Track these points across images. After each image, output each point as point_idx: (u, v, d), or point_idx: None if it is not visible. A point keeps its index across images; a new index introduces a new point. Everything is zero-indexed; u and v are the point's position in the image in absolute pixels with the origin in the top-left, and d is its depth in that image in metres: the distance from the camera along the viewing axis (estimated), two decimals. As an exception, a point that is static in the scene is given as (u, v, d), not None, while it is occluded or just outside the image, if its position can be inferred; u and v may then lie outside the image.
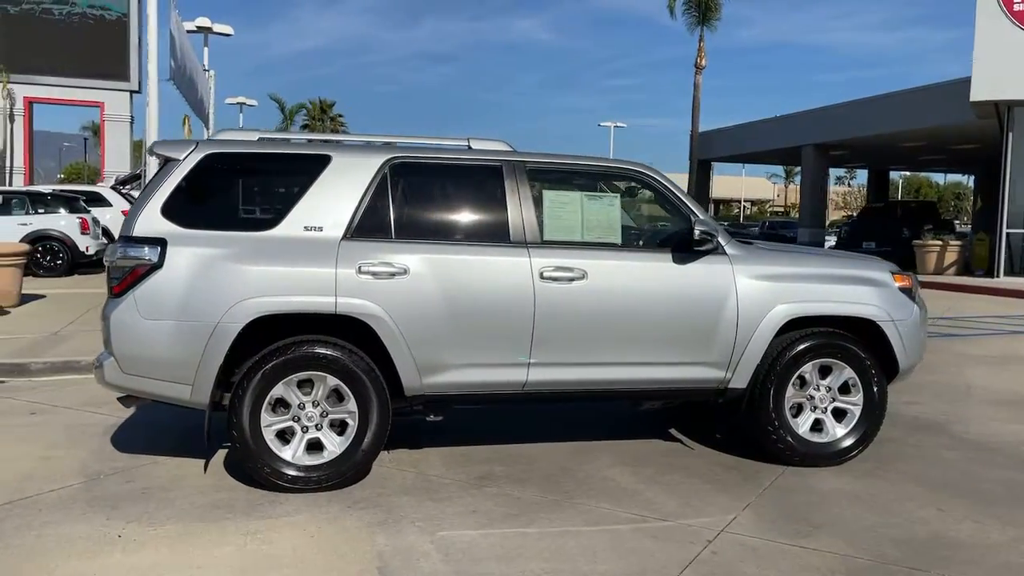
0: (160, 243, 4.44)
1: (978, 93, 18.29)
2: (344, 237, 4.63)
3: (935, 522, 4.35)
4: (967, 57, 18.56)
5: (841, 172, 79.88)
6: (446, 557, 3.80)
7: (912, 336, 5.32)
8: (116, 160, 30.49)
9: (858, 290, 5.23)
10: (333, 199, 4.68)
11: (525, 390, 4.90)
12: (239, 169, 4.80)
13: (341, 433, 4.66)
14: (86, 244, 16.49)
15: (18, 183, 28.52)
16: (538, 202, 4.97)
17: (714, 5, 34.33)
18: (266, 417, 4.53)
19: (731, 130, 33.79)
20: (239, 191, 4.88)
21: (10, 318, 10.43)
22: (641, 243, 5.36)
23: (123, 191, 20.64)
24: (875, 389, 5.21)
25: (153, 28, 11.73)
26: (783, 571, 3.73)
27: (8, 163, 31.17)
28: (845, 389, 5.24)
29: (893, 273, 5.41)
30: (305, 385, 4.61)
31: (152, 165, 9.68)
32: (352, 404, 4.62)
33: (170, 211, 4.51)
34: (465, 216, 5.00)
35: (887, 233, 24.36)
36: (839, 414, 5.25)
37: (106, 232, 17.63)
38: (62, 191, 18.87)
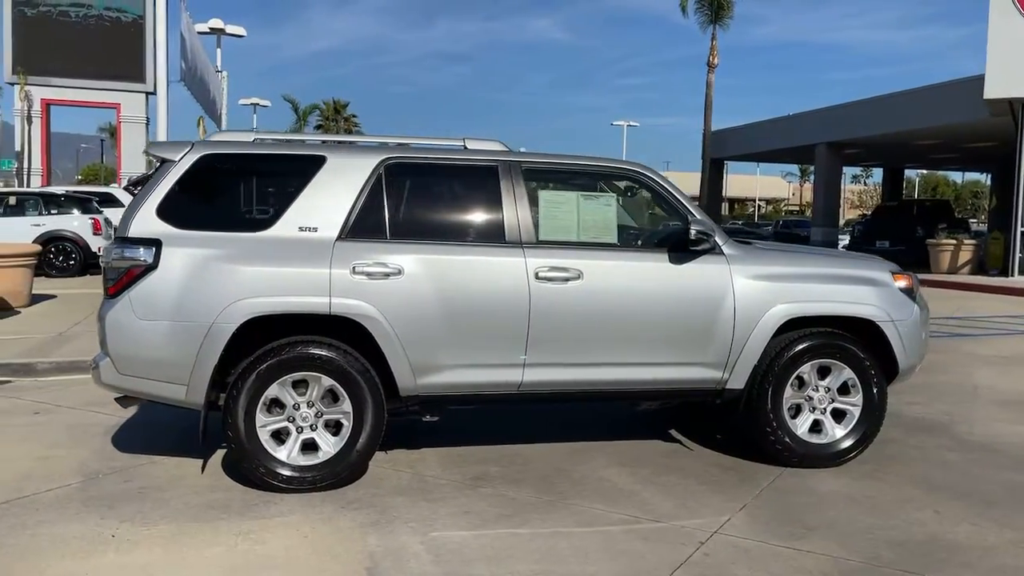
0: (155, 244, 4.46)
1: (992, 90, 18.12)
2: (339, 238, 4.64)
3: (932, 524, 4.31)
4: (983, 54, 18.41)
5: (857, 170, 79.43)
6: (436, 558, 3.80)
7: (912, 336, 5.27)
8: (132, 161, 30.72)
9: (857, 290, 5.19)
10: (328, 200, 4.69)
11: (521, 390, 4.89)
12: (234, 170, 4.82)
13: (336, 433, 4.67)
14: (98, 245, 16.61)
15: (36, 184, 28.76)
16: (534, 202, 4.96)
17: (726, 4, 34.18)
18: (261, 417, 4.55)
19: (744, 129, 33.60)
20: (234, 192, 4.90)
21: (20, 318, 10.53)
22: (638, 243, 5.33)
23: (136, 192, 20.78)
24: (875, 390, 5.17)
25: (162, 31, 11.81)
26: (774, 573, 3.71)
27: (26, 164, 31.48)
28: (844, 390, 5.20)
29: (893, 273, 5.37)
30: (300, 385, 4.62)
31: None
32: (347, 404, 4.63)
33: (165, 212, 4.53)
34: (460, 216, 4.99)
35: (901, 232, 24.19)
36: (838, 415, 5.21)
37: (118, 233, 17.72)
38: (75, 192, 19.02)
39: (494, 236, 4.84)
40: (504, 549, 3.91)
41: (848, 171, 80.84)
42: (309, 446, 4.64)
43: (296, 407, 4.61)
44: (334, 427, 4.68)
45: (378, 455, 5.20)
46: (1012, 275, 18.92)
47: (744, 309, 4.99)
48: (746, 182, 79.56)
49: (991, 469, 5.25)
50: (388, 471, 4.99)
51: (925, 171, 72.59)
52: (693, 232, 4.87)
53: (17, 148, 32.42)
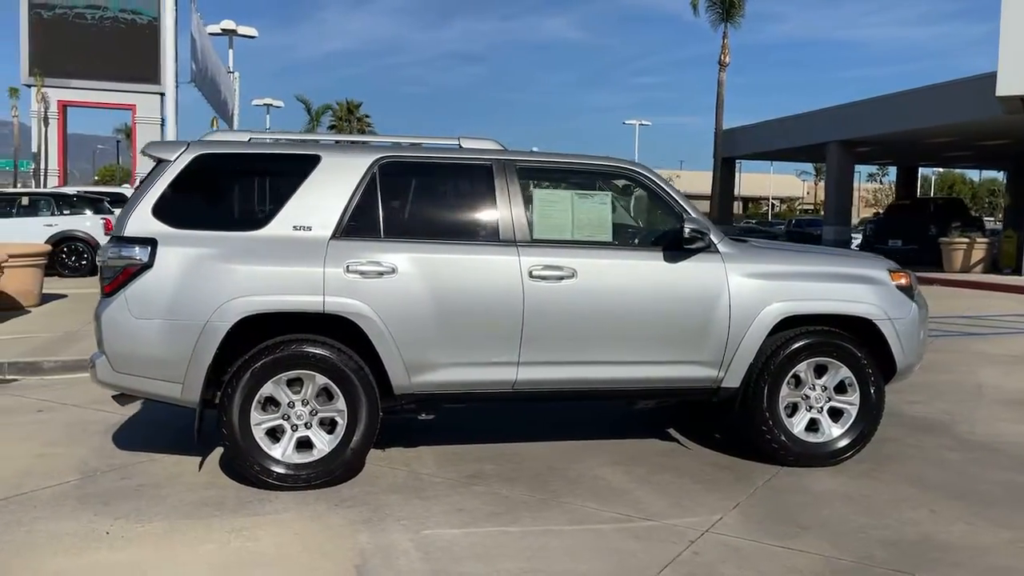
0: (150, 243, 4.49)
1: (1004, 88, 17.96)
2: (333, 236, 4.66)
3: (926, 524, 4.29)
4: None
5: (873, 169, 78.85)
6: (425, 555, 3.81)
7: (910, 335, 5.24)
8: (148, 162, 30.87)
9: (854, 288, 5.16)
10: (322, 199, 4.71)
11: (515, 389, 4.89)
12: (229, 170, 4.85)
13: (331, 432, 4.69)
14: (110, 245, 16.71)
15: (52, 185, 29.02)
16: (528, 201, 4.97)
17: (738, 2, 34.05)
18: (256, 415, 4.57)
19: (755, 127, 33.43)
20: (229, 191, 4.93)
21: (30, 317, 10.62)
22: (632, 242, 5.32)
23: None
24: (872, 389, 5.14)
25: (170, 32, 11.88)
26: (764, 572, 3.70)
27: (43, 165, 31.80)
28: (841, 388, 5.17)
29: (891, 271, 5.33)
30: (295, 384, 4.64)
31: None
32: (341, 403, 4.65)
33: (161, 211, 4.56)
34: (455, 215, 5.01)
35: (914, 231, 24.01)
36: (835, 414, 5.19)
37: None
38: (87, 192, 19.17)
39: (488, 235, 4.85)
40: (494, 547, 3.92)
41: (864, 169, 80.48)
42: (304, 444, 4.66)
43: (291, 405, 4.63)
44: (329, 425, 4.70)
45: (375, 453, 5.22)
46: (1025, 274, 18.75)
47: (739, 307, 4.97)
48: (760, 181, 79.19)
49: (991, 469, 5.21)
50: (384, 469, 5.01)
51: (941, 169, 71.97)
52: (687, 230, 4.86)
53: (34, 149, 32.76)
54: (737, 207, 79.41)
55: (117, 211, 17.70)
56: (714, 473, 5.05)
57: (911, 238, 23.82)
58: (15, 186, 44.97)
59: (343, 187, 4.74)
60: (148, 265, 4.47)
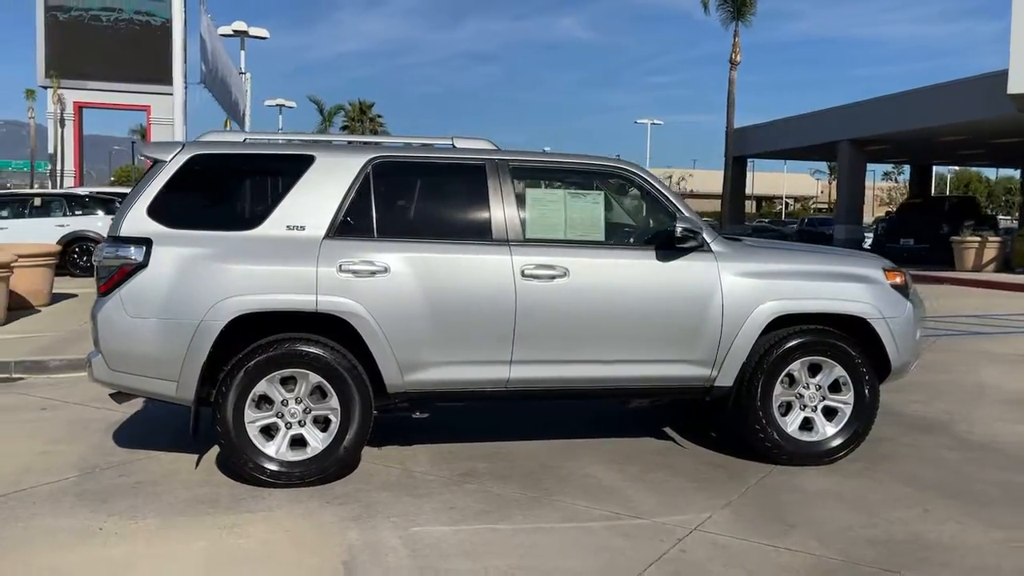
0: (145, 243, 4.54)
1: (1015, 85, 17.83)
2: (326, 236, 4.70)
3: (917, 523, 4.28)
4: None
5: (889, 167, 78.32)
6: (413, 552, 3.84)
7: (905, 334, 5.23)
8: (159, 163, 31.02)
9: (848, 287, 5.15)
10: (316, 198, 4.75)
11: (508, 387, 4.91)
12: (224, 170, 4.90)
13: (324, 429, 4.73)
14: (121, 245, 16.85)
15: (68, 185, 29.26)
16: (521, 200, 4.99)
17: (749, 0, 33.91)
18: (250, 413, 4.61)
19: (766, 126, 33.29)
20: (224, 191, 4.98)
21: (39, 316, 10.74)
22: (625, 241, 5.32)
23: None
24: (866, 388, 5.13)
25: (179, 34, 11.96)
26: (749, 570, 3.71)
27: (59, 166, 32.07)
28: (835, 387, 5.17)
29: (886, 270, 5.32)
30: (289, 382, 4.68)
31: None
32: (334, 401, 4.68)
33: (156, 211, 4.62)
34: (448, 215, 5.03)
35: (925, 229, 23.86)
36: (829, 413, 5.18)
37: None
38: (98, 193, 19.33)
39: (481, 234, 4.88)
40: (482, 544, 3.94)
41: (879, 168, 79.93)
42: (298, 442, 4.70)
43: (284, 403, 4.67)
44: (322, 423, 4.74)
45: (370, 451, 5.26)
46: (1038, 273, 18.60)
47: (732, 306, 4.98)
48: (774, 180, 78.88)
49: (987, 469, 5.19)
50: (378, 467, 5.05)
51: (957, 168, 71.41)
52: (679, 230, 4.87)
53: (51, 150, 33.05)
54: (751, 206, 79.16)
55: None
56: (708, 472, 5.05)
57: (923, 237, 23.68)
58: (32, 187, 45.44)
59: (336, 187, 4.78)
60: (143, 265, 4.52)
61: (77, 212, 17.05)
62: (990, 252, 20.19)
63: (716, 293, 4.97)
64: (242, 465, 4.62)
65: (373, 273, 4.66)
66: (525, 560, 3.78)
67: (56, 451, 5.33)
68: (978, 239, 20.37)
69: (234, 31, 26.91)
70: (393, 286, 4.68)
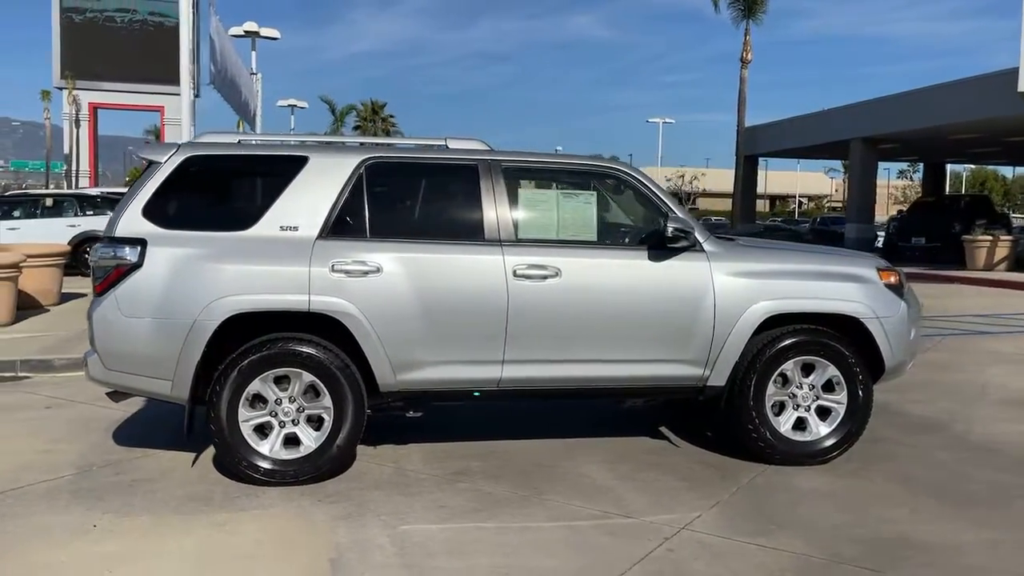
0: (140, 243, 4.60)
1: (1027, 83, 17.69)
2: (319, 236, 4.74)
3: (905, 523, 4.28)
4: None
5: (904, 165, 77.79)
6: (400, 550, 3.88)
7: (899, 334, 5.22)
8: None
9: (841, 287, 5.15)
10: (309, 199, 4.79)
11: (500, 387, 4.94)
12: (218, 171, 4.95)
13: (318, 428, 4.77)
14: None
15: (83, 186, 29.51)
16: (514, 200, 5.01)
17: (760, -1, 33.78)
18: (243, 412, 4.66)
19: (777, 125, 33.14)
20: (218, 192, 5.03)
21: (48, 316, 10.85)
22: (617, 241, 5.33)
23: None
24: (860, 388, 5.13)
25: (186, 35, 12.03)
26: (732, 569, 3.72)
27: (75, 167, 32.36)
28: (829, 387, 5.17)
29: (879, 269, 5.31)
30: (282, 381, 4.72)
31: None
32: (328, 400, 4.72)
33: (151, 212, 4.67)
34: (440, 215, 5.07)
35: (937, 228, 23.70)
36: (823, 412, 5.18)
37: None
38: (110, 193, 19.49)
39: (473, 234, 4.90)
40: (469, 543, 3.97)
41: (895, 166, 79.41)
42: (291, 440, 4.75)
43: (278, 402, 4.72)
44: (316, 422, 4.78)
45: (365, 450, 5.30)
46: (1050, 272, 18.45)
47: (724, 306, 4.99)
48: (787, 178, 78.51)
49: (982, 469, 5.17)
50: (372, 465, 5.08)
51: (973, 166, 70.81)
52: (670, 229, 4.88)
53: (66, 151, 33.35)
54: (764, 205, 78.80)
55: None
56: (700, 471, 5.07)
57: (935, 236, 23.52)
58: (47, 187, 45.82)
59: (330, 187, 4.82)
60: (138, 265, 4.58)
61: (88, 212, 17.20)
62: (1002, 251, 20.04)
63: (708, 293, 4.98)
64: (236, 463, 4.67)
65: (366, 273, 4.70)
66: (509, 559, 3.80)
67: (56, 449, 5.39)
68: (989, 238, 20.22)
69: (245, 32, 26.99)
70: (386, 286, 4.71)
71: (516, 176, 5.12)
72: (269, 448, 4.70)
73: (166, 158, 4.77)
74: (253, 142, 5.13)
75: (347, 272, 4.68)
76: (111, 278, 4.61)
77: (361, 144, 5.21)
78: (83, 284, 14.46)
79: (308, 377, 4.70)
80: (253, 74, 26.25)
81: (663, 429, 5.95)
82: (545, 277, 4.85)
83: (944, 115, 22.89)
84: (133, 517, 4.26)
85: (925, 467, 5.19)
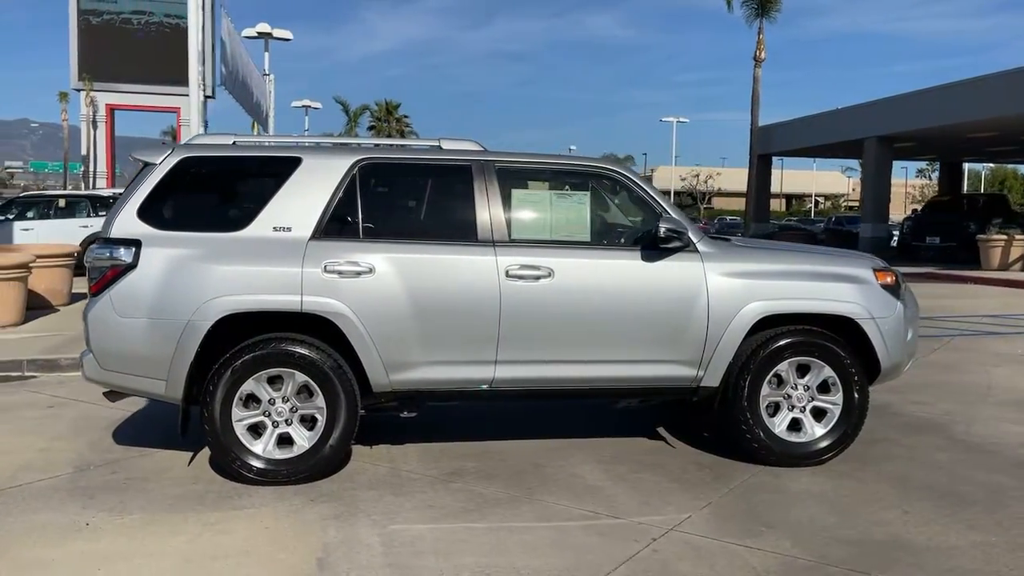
0: (135, 244, 4.64)
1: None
2: (312, 237, 4.76)
3: (896, 524, 4.25)
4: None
5: (923, 164, 77.14)
6: (387, 550, 3.89)
7: (895, 334, 5.18)
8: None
9: (836, 287, 5.12)
10: (302, 200, 4.82)
11: (493, 387, 4.95)
12: (213, 172, 4.98)
13: (311, 428, 4.79)
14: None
15: (101, 186, 29.76)
16: (507, 201, 5.02)
17: (773, -4, 33.56)
18: (237, 412, 4.69)
19: (791, 124, 32.94)
20: (212, 193, 5.07)
21: (58, 315, 10.96)
22: (611, 241, 5.33)
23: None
24: (855, 389, 5.10)
25: (194, 36, 12.14)
26: (717, 570, 3.71)
27: (92, 167, 32.65)
28: (824, 388, 5.14)
29: (875, 270, 5.28)
30: (276, 381, 4.75)
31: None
32: (321, 400, 4.74)
33: (145, 213, 4.71)
34: (433, 215, 5.08)
35: (952, 227, 23.52)
36: (819, 413, 5.16)
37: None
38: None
39: (466, 235, 4.91)
40: (456, 542, 3.98)
41: (913, 165, 78.72)
42: (285, 440, 4.77)
43: (272, 402, 4.75)
44: (309, 422, 4.80)
45: (362, 449, 5.33)
46: (1066, 272, 18.26)
47: (718, 306, 4.97)
48: (804, 178, 78.07)
49: (979, 470, 5.13)
50: (366, 465, 5.11)
51: (992, 165, 70.13)
52: (663, 230, 4.88)
53: (83, 152, 33.67)
54: (780, 204, 78.37)
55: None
56: (694, 472, 5.05)
57: (949, 235, 23.34)
58: (65, 188, 46.25)
59: (323, 188, 4.85)
60: (132, 265, 4.62)
61: (101, 213, 17.31)
62: (1017, 251, 19.85)
63: (701, 293, 4.97)
64: (230, 463, 4.70)
65: (358, 274, 4.72)
66: (495, 558, 3.81)
67: (55, 448, 5.45)
68: (1004, 237, 20.04)
69: (258, 33, 27.19)
70: (378, 286, 4.73)
71: (509, 177, 5.12)
72: (263, 448, 4.73)
73: (161, 159, 4.81)
74: (248, 143, 5.16)
75: (340, 273, 4.70)
76: (106, 278, 4.65)
77: (356, 145, 5.22)
78: (95, 284, 14.69)
79: (301, 377, 4.72)
80: (265, 75, 26.43)
81: (660, 430, 5.94)
82: (538, 277, 4.85)
83: (960, 113, 22.68)
84: (126, 515, 4.29)
85: (921, 469, 5.15)
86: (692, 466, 5.17)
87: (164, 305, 4.61)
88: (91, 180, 32.33)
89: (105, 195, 18.65)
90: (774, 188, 44.54)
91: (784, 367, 5.08)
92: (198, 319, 4.58)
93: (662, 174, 76.35)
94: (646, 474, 5.01)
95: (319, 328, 4.76)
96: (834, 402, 5.13)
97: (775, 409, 5.14)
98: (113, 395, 5.01)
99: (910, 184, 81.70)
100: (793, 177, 77.32)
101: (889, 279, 5.27)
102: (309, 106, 42.38)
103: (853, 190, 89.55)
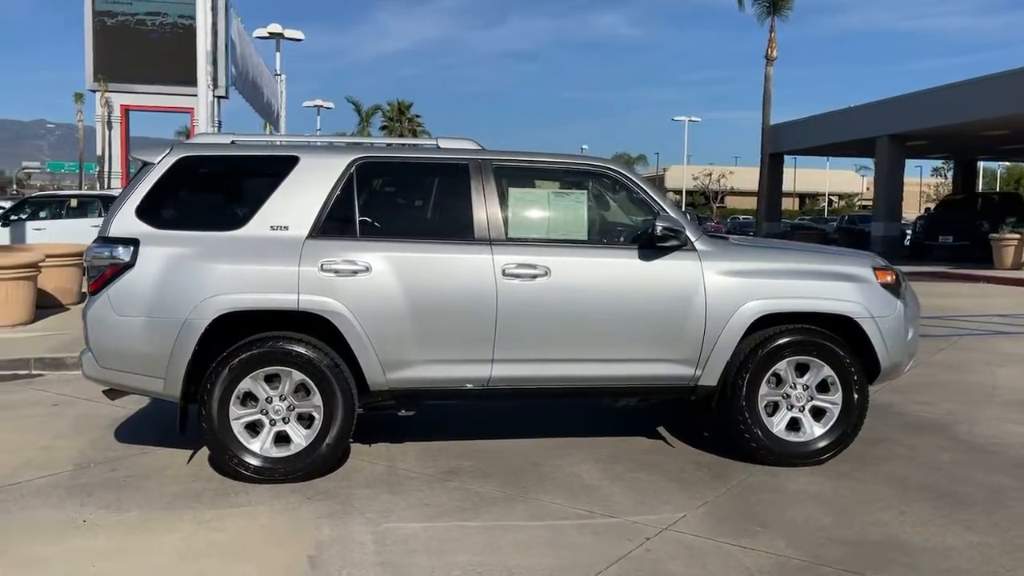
0: (133, 243, 4.67)
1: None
2: (309, 236, 4.77)
3: (892, 525, 4.22)
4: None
5: (938, 163, 76.60)
6: (380, 548, 3.90)
7: (895, 334, 5.15)
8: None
9: (835, 286, 5.09)
10: (299, 199, 4.83)
11: (490, 386, 4.95)
12: (211, 171, 5.01)
13: (308, 427, 4.81)
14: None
15: (116, 186, 29.93)
16: (504, 200, 5.01)
17: (786, -6, 33.39)
18: (234, 410, 4.71)
19: (803, 122, 32.78)
20: (210, 192, 5.10)
21: (67, 315, 11.03)
22: (608, 240, 5.31)
23: None
24: (855, 388, 5.07)
25: (202, 37, 12.20)
26: (710, 570, 3.70)
27: (107, 168, 32.87)
28: (824, 388, 5.12)
29: (876, 268, 5.24)
30: (273, 380, 4.77)
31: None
32: (318, 399, 4.76)
33: (144, 212, 4.74)
34: (430, 214, 5.09)
35: (965, 226, 23.36)
36: (818, 413, 5.13)
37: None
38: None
39: (463, 233, 4.91)
40: (449, 541, 3.98)
41: (928, 164, 78.20)
42: (282, 438, 4.79)
43: (269, 400, 4.76)
44: (307, 420, 4.82)
45: (360, 448, 5.35)
46: (1080, 271, 18.09)
47: (715, 305, 4.95)
48: (817, 176, 77.64)
49: (979, 471, 5.09)
50: (364, 463, 5.12)
51: (1008, 163, 69.52)
52: (659, 229, 4.86)
53: (98, 152, 33.90)
54: (794, 203, 77.97)
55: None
56: (691, 472, 5.04)
57: (962, 234, 23.18)
58: (81, 188, 46.58)
59: (320, 187, 4.86)
60: (130, 264, 4.64)
61: (113, 213, 17.46)
62: (1030, 250, 19.69)
63: (699, 292, 4.95)
64: (227, 461, 4.72)
65: (355, 272, 4.73)
66: (488, 557, 3.81)
67: (57, 446, 5.49)
68: (1017, 236, 19.88)
69: (270, 33, 27.27)
70: (374, 285, 4.74)
71: (507, 175, 5.12)
72: (260, 446, 4.75)
73: (159, 159, 4.84)
74: (246, 142, 5.17)
75: (336, 272, 4.71)
76: (105, 277, 4.68)
77: (354, 144, 5.23)
78: (106, 283, 14.79)
79: (298, 376, 4.74)
80: (277, 75, 26.52)
81: (660, 429, 5.92)
82: (534, 276, 4.85)
83: (971, 112, 22.50)
84: (123, 513, 4.32)
85: (921, 469, 5.12)
86: (690, 466, 5.15)
87: (162, 304, 4.63)
88: (106, 180, 32.52)
89: (116, 195, 18.78)
90: (787, 187, 44.33)
91: (783, 366, 5.06)
92: (195, 317, 4.61)
93: (674, 173, 76.15)
94: (643, 473, 5.00)
95: (316, 327, 4.77)
96: (833, 402, 5.10)
97: (774, 408, 5.12)
98: (112, 393, 5.04)
99: (925, 183, 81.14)
100: (807, 176, 76.92)
101: (889, 278, 5.24)
102: (321, 106, 42.53)
103: (867, 189, 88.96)
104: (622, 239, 5.23)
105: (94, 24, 31.42)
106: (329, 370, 4.72)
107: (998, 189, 66.67)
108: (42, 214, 17.42)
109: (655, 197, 5.14)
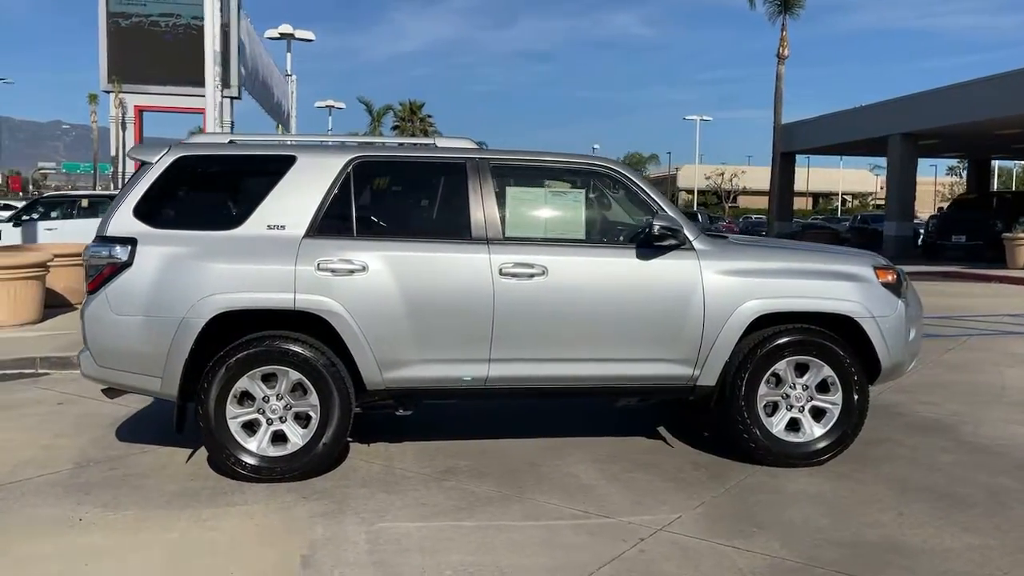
0: (130, 242, 4.68)
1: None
2: (306, 235, 4.77)
3: (890, 526, 4.19)
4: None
5: (953, 162, 76.04)
6: (373, 547, 3.89)
7: (896, 333, 5.10)
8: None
9: (835, 285, 5.05)
10: (296, 198, 4.83)
11: (487, 385, 4.94)
12: (208, 171, 5.02)
13: (305, 426, 4.81)
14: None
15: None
16: (501, 199, 5.00)
17: (797, -8, 33.24)
18: (232, 409, 4.72)
19: (814, 121, 32.63)
20: (208, 192, 5.11)
21: (76, 314, 10.99)
22: (606, 239, 5.28)
23: None
24: (855, 389, 5.03)
25: (210, 37, 12.24)
26: (703, 570, 3.67)
27: (121, 168, 33.07)
28: (824, 388, 5.08)
29: (876, 268, 5.20)
30: (270, 379, 4.77)
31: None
32: (314, 398, 4.76)
33: (141, 212, 4.75)
34: (427, 213, 5.08)
35: (978, 226, 23.16)
36: (818, 413, 5.09)
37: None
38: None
39: (460, 233, 4.90)
40: (443, 541, 3.97)
41: (943, 163, 77.66)
42: (279, 437, 4.79)
43: (266, 399, 4.77)
44: (304, 419, 4.82)
45: (358, 447, 5.35)
46: (1094, 271, 17.91)
47: (714, 305, 4.92)
48: (830, 176, 77.26)
49: (981, 472, 5.04)
50: (361, 463, 5.12)
51: (1023, 162, 68.88)
52: (657, 228, 4.84)
53: (112, 153, 34.13)
54: (807, 203, 77.62)
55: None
56: (689, 472, 5.01)
57: (975, 233, 23.00)
58: (95, 188, 46.87)
59: (317, 187, 4.86)
60: (128, 263, 4.66)
61: (123, 213, 17.55)
62: (1044, 249, 19.50)
63: (697, 291, 4.92)
64: (224, 460, 4.73)
65: (351, 272, 4.73)
66: (481, 557, 3.80)
67: (58, 445, 5.51)
68: (1030, 236, 19.70)
69: (280, 34, 27.36)
70: (371, 285, 4.74)
71: (504, 175, 5.10)
72: (257, 445, 4.75)
73: (157, 158, 4.85)
74: (244, 142, 5.19)
75: (333, 271, 4.71)
76: (102, 276, 4.70)
77: (352, 144, 5.23)
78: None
79: (295, 375, 4.74)
80: (287, 76, 26.60)
81: (660, 429, 5.90)
82: (532, 275, 4.84)
83: (982, 110, 22.34)
84: (120, 511, 4.33)
85: (922, 470, 5.07)
86: (689, 466, 5.12)
87: (159, 303, 4.64)
88: (120, 180, 32.70)
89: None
90: (800, 187, 44.16)
91: (782, 366, 5.02)
92: (193, 317, 4.62)
93: (686, 173, 75.94)
94: (641, 473, 4.97)
95: (313, 326, 4.77)
96: (833, 402, 5.06)
97: (773, 409, 5.09)
98: (111, 392, 5.06)
99: (940, 182, 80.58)
100: (820, 175, 76.57)
101: (890, 277, 5.19)
102: (332, 106, 42.64)
103: (881, 188, 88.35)
104: (620, 238, 5.20)
105: (108, 25, 31.61)
106: (326, 369, 4.72)
107: (1013, 188, 66.13)
108: (53, 214, 17.55)
109: (653, 196, 5.12)
